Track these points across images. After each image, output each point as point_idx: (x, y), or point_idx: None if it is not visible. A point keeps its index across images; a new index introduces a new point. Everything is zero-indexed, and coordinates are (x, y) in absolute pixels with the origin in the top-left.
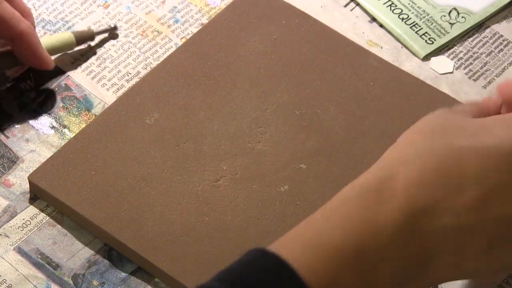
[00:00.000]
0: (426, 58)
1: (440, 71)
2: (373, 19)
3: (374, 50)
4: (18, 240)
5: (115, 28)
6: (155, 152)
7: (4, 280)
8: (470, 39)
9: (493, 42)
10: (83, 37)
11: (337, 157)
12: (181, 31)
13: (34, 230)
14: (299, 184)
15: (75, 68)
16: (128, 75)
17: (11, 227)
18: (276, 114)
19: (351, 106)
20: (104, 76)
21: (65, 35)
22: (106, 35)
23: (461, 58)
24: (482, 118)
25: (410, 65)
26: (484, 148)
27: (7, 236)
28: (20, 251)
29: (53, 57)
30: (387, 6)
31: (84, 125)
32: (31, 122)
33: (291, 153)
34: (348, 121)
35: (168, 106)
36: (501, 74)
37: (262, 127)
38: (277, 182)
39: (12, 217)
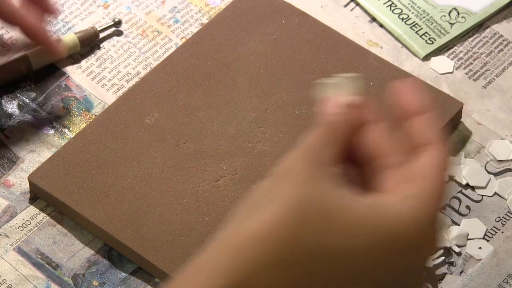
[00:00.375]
0: (426, 58)
1: (440, 71)
2: (373, 19)
3: (374, 50)
4: (18, 240)
5: (119, 22)
6: (155, 152)
7: (4, 280)
8: (470, 39)
9: (493, 42)
10: (87, 37)
11: None
12: (181, 31)
13: (34, 230)
14: None
15: (75, 68)
16: (128, 75)
17: (11, 227)
18: (276, 114)
19: None
20: (104, 77)
21: (68, 38)
22: (110, 32)
23: (461, 58)
24: (355, 206)
25: (410, 65)
26: (347, 251)
27: (7, 236)
28: (20, 251)
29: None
30: (387, 6)
31: (84, 125)
32: (31, 122)
33: None
34: None
35: (168, 106)
36: (501, 74)
37: (262, 127)
38: None
39: (12, 217)
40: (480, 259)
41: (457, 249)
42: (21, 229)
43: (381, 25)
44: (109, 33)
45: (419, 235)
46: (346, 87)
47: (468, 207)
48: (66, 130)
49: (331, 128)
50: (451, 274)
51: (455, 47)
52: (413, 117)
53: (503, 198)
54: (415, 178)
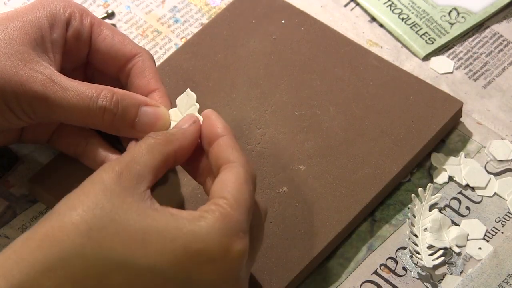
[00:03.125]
0: (426, 58)
1: (440, 71)
2: (373, 19)
3: (374, 50)
4: None
5: (112, 14)
6: None
7: None
8: (470, 39)
9: (493, 42)
10: None
11: (337, 158)
12: (181, 31)
13: None
14: (299, 186)
15: None
16: None
17: (10, 228)
18: (275, 115)
19: (350, 106)
20: None
21: None
22: None
23: (461, 58)
24: (149, 221)
25: (410, 65)
26: (135, 266)
27: (7, 237)
28: None
29: None
30: (387, 6)
31: None
32: None
33: (291, 154)
34: (347, 121)
35: None
36: (501, 74)
37: (261, 128)
38: (276, 184)
39: (12, 218)
40: (480, 260)
41: (457, 250)
42: (21, 230)
43: (381, 25)
44: None
45: (213, 248)
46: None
47: (468, 208)
48: None
49: (149, 147)
50: (451, 274)
51: (455, 47)
52: (213, 142)
53: (503, 198)
54: (213, 195)
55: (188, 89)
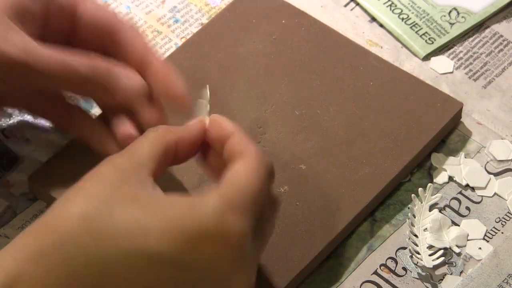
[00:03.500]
0: (426, 58)
1: (440, 71)
2: (373, 19)
3: (374, 50)
4: None
5: None
6: None
7: None
8: (470, 39)
9: (493, 42)
10: None
11: (337, 157)
12: (181, 31)
13: None
14: (299, 185)
15: None
16: None
17: (10, 227)
18: (275, 114)
19: (350, 106)
20: None
21: None
22: None
23: (461, 58)
24: (149, 208)
25: (410, 65)
26: (137, 255)
27: (7, 236)
28: None
29: None
30: (387, 6)
31: None
32: (31, 122)
33: (291, 154)
34: (347, 121)
35: None
36: (501, 74)
37: (262, 127)
38: (276, 183)
39: (11, 217)
40: (480, 260)
41: (457, 250)
42: (21, 229)
43: (381, 25)
44: None
45: (209, 225)
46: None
47: (468, 208)
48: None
49: (148, 138)
50: (451, 274)
51: (455, 47)
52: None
53: (503, 198)
54: (222, 182)
55: (207, 88)
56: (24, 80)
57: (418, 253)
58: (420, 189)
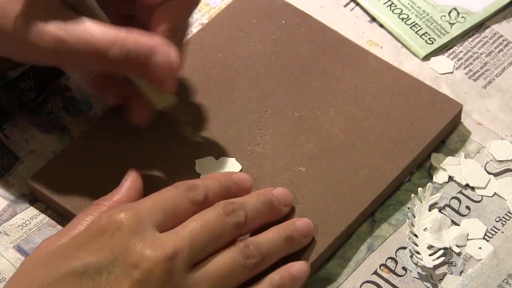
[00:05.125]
0: (426, 58)
1: (440, 71)
2: (373, 19)
3: (374, 50)
4: (17, 239)
5: None
6: (155, 155)
7: (4, 278)
8: (470, 39)
9: (493, 42)
10: None
11: (337, 160)
12: None
13: (33, 230)
14: (299, 187)
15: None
16: None
17: (11, 225)
18: (275, 116)
19: (350, 108)
20: None
21: None
22: None
23: (461, 58)
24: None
25: (410, 65)
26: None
27: (7, 234)
28: (19, 249)
29: None
30: (387, 6)
31: (84, 126)
32: (31, 122)
33: (291, 156)
34: (347, 123)
35: None
36: (501, 74)
37: (261, 129)
38: (276, 185)
39: (12, 216)
40: (480, 259)
41: (457, 249)
42: (21, 227)
43: (381, 25)
44: None
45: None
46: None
47: (468, 207)
48: (66, 131)
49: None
50: (451, 274)
51: (455, 47)
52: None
53: (503, 198)
54: None
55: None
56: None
57: (418, 253)
58: (420, 188)
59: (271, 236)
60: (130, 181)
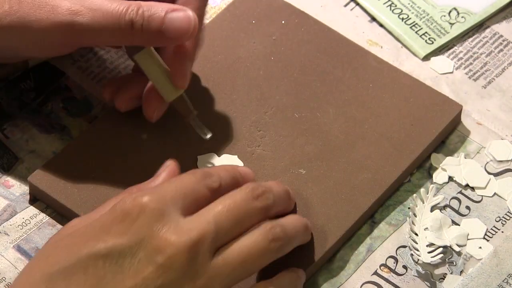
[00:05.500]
0: (426, 58)
1: (440, 71)
2: (373, 19)
3: (374, 49)
4: (17, 238)
5: None
6: (155, 155)
7: (4, 278)
8: (470, 39)
9: (493, 42)
10: None
11: (337, 161)
12: None
13: (33, 229)
14: (299, 189)
15: (75, 68)
16: None
17: (10, 225)
18: (275, 117)
19: (350, 109)
20: (104, 77)
21: None
22: None
23: (461, 58)
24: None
25: (410, 65)
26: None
27: (7, 234)
28: (19, 249)
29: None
30: (387, 6)
31: (84, 126)
32: (31, 122)
33: (291, 158)
34: (347, 124)
35: None
36: (501, 74)
37: (261, 130)
38: None
39: (11, 216)
40: (480, 259)
41: (457, 249)
42: (21, 227)
43: (381, 25)
44: None
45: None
46: None
47: (468, 208)
48: (66, 131)
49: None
50: (451, 273)
51: (455, 47)
52: None
53: (503, 198)
54: None
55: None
56: (77, 38)
57: (417, 250)
58: (422, 189)
59: (293, 221)
60: (167, 172)
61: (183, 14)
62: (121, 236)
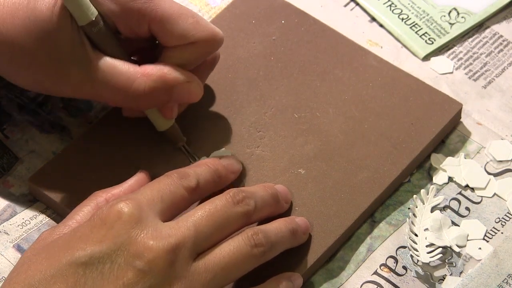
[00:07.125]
0: (426, 58)
1: (440, 71)
2: (373, 19)
3: (374, 50)
4: (17, 238)
5: None
6: (154, 157)
7: (4, 278)
8: (470, 39)
9: (493, 42)
10: None
11: (336, 161)
12: None
13: (33, 229)
14: (298, 190)
15: None
16: None
17: (10, 225)
18: (275, 117)
19: (350, 108)
20: None
21: None
22: None
23: (461, 58)
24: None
25: (410, 65)
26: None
27: (7, 233)
28: (19, 248)
29: None
30: (387, 6)
31: (83, 126)
32: (31, 122)
33: (290, 158)
34: (347, 124)
35: None
36: (501, 74)
37: (261, 131)
38: None
39: (12, 215)
40: (480, 260)
41: (457, 250)
42: (21, 227)
43: (381, 25)
44: None
45: None
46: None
47: (467, 209)
48: (66, 131)
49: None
50: (451, 274)
51: (455, 47)
52: None
53: (502, 199)
54: None
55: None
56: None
57: (417, 250)
58: (422, 190)
59: (278, 226)
60: (135, 180)
61: (187, 88)
62: (99, 243)
